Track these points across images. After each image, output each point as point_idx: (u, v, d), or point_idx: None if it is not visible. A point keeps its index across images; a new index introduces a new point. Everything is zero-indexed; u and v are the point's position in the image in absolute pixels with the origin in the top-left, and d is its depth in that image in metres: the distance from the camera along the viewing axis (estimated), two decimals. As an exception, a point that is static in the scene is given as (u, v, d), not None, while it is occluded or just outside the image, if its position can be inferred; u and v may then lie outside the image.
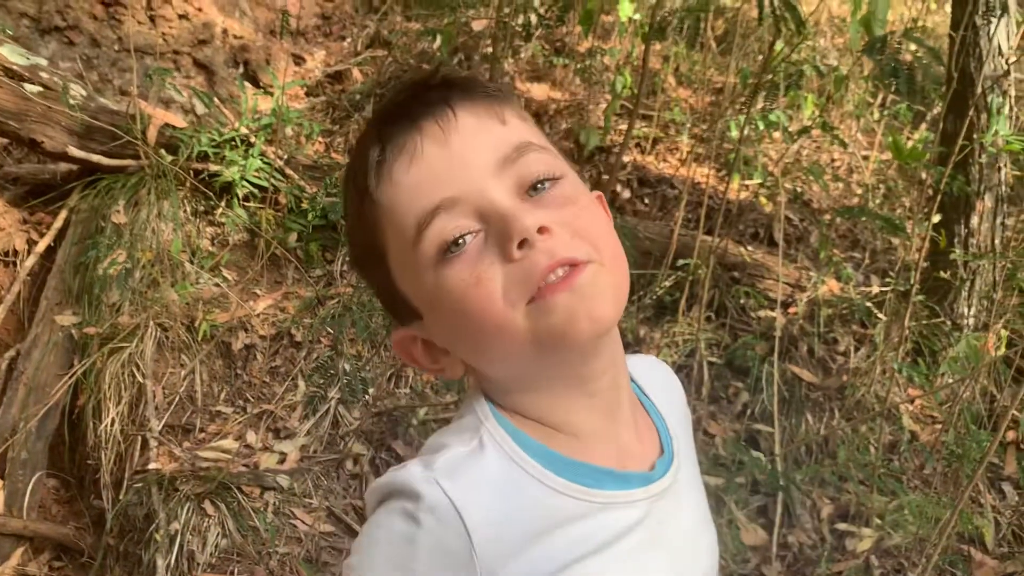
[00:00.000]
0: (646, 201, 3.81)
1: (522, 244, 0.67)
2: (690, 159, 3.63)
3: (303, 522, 2.46)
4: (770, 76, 2.90)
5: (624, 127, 4.12)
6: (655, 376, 0.93)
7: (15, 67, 3.16)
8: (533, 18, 3.23)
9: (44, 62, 3.33)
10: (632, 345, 3.02)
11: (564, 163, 0.74)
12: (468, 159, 0.70)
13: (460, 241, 0.69)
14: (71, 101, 3.02)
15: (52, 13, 4.65)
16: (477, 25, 4.38)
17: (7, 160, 3.85)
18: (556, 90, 4.27)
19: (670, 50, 4.53)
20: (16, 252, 3.28)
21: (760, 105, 3.09)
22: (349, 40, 5.38)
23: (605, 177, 3.85)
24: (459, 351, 0.76)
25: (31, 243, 3.28)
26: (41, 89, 3.13)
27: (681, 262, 3.13)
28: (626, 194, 3.81)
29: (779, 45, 2.99)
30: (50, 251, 3.24)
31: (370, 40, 5.33)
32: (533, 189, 0.71)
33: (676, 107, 4.20)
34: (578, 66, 4.23)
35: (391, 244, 0.73)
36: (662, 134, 4.13)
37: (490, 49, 4.06)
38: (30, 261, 3.19)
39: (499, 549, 0.68)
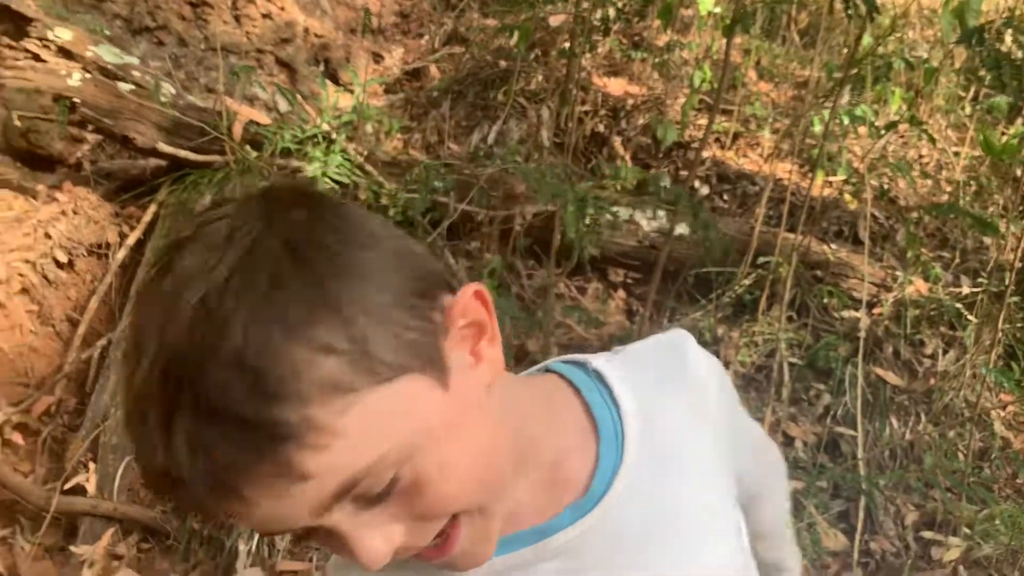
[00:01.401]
0: (725, 197, 3.75)
1: None
2: (772, 155, 3.55)
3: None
4: (856, 70, 2.81)
5: (702, 122, 4.06)
6: (659, 370, 0.76)
7: (109, 66, 3.28)
8: (611, 12, 3.20)
9: (136, 61, 3.45)
10: (710, 344, 2.98)
11: (407, 428, 0.55)
12: (286, 513, 0.53)
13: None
14: (163, 100, 3.12)
15: (143, 14, 4.82)
16: (554, 20, 4.37)
17: (100, 156, 4.01)
18: (634, 84, 4.23)
19: (751, 43, 4.43)
20: (108, 244, 3.41)
21: (845, 99, 3.00)
22: (427, 38, 5.43)
23: (683, 173, 3.79)
24: None
25: (122, 236, 3.41)
26: (133, 87, 3.25)
27: (762, 260, 3.06)
28: (705, 190, 3.75)
29: (866, 38, 2.90)
30: (140, 244, 3.36)
31: (447, 37, 5.37)
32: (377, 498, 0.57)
33: (757, 101, 4.12)
34: (656, 60, 4.18)
35: None
36: (742, 129, 4.05)
37: (567, 44, 4.04)
38: (121, 253, 3.31)
39: None
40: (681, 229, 3.15)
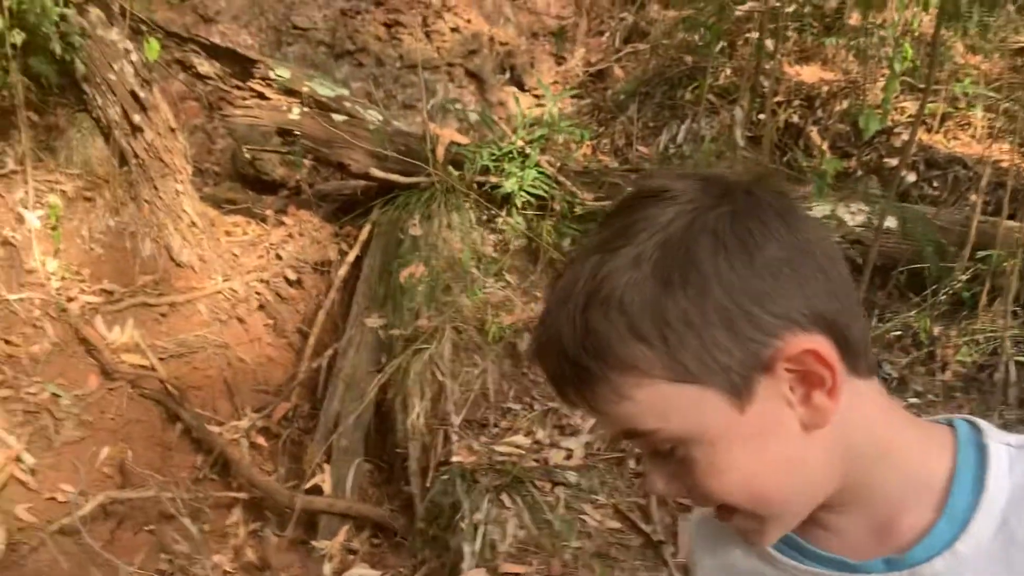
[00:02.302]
0: (935, 184, 3.54)
1: None
2: (989, 136, 3.32)
3: (592, 518, 2.60)
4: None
5: (905, 104, 3.85)
6: None
7: (323, 99, 3.57)
8: (806, 8, 3.10)
9: (346, 92, 3.72)
10: (925, 345, 2.85)
11: (683, 423, 0.66)
12: (599, 424, 0.74)
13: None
14: (371, 127, 3.36)
15: (344, 39, 5.17)
16: (740, 9, 4.28)
17: (316, 178, 4.37)
18: (827, 70, 4.07)
19: (957, 4, 4.14)
20: (330, 262, 3.72)
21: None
22: (607, 34, 5.46)
23: (887, 161, 3.62)
24: None
25: (342, 253, 3.71)
26: (346, 118, 3.51)
27: (981, 253, 2.89)
28: (911, 177, 3.56)
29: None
30: (357, 261, 3.64)
31: (628, 32, 5.37)
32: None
33: (967, 78, 3.85)
34: (851, 43, 4.00)
35: None
36: (951, 109, 3.80)
37: (755, 34, 3.95)
38: (342, 270, 3.60)
39: None
40: (890, 223, 3.04)
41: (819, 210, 3.19)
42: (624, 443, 0.70)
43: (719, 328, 0.62)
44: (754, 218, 0.64)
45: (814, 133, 3.78)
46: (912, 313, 2.93)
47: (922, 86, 3.81)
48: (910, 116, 3.72)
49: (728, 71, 4.02)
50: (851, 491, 0.71)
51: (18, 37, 3.25)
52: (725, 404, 0.64)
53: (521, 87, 5.31)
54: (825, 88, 3.93)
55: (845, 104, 3.82)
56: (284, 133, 3.58)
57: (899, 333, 2.94)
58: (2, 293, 3.23)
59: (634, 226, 0.65)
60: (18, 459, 2.92)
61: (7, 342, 3.18)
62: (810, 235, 0.66)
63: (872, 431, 0.70)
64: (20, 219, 3.39)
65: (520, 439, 2.86)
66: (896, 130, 3.72)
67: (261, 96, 3.62)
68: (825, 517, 0.73)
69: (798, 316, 0.63)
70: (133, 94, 3.52)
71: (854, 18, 4.19)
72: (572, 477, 2.71)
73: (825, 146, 3.71)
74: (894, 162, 3.58)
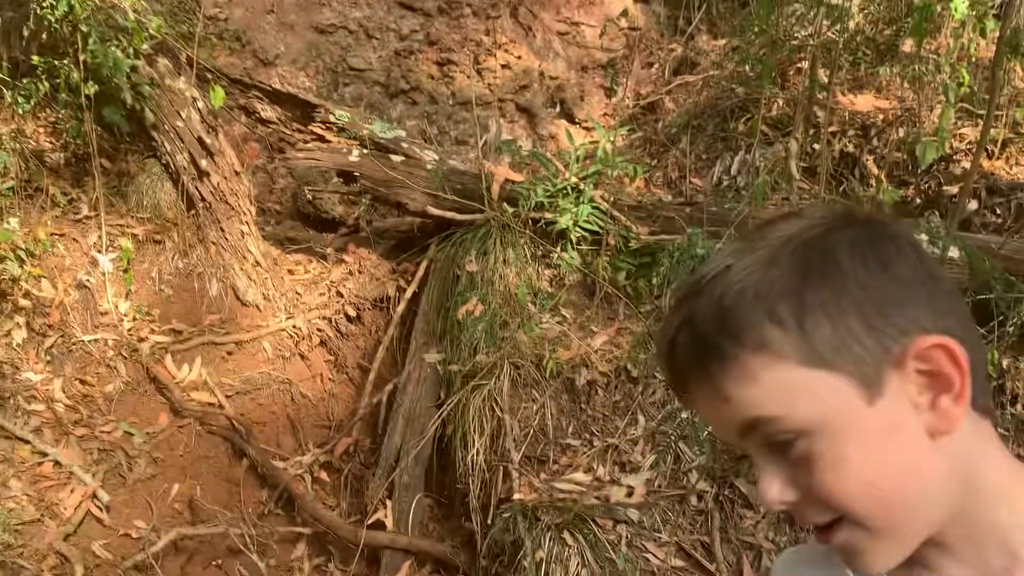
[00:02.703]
0: (998, 211, 3.49)
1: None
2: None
3: (655, 556, 2.59)
4: None
5: (964, 131, 3.80)
6: None
7: (382, 140, 3.66)
8: (858, 38, 3.10)
9: (403, 133, 3.81)
10: (994, 378, 2.80)
11: (810, 410, 0.66)
12: (715, 422, 0.72)
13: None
14: (428, 167, 3.43)
15: (398, 78, 5.29)
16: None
17: (374, 215, 4.46)
18: (882, 98, 4.04)
19: (1019, 36, 4.08)
20: (388, 298, 3.79)
21: None
22: (656, 66, 5.50)
23: (946, 189, 3.58)
24: None
25: (400, 290, 3.78)
26: (403, 158, 3.59)
27: (1048, 283, 2.83)
28: (973, 205, 3.51)
29: None
30: (415, 297, 3.70)
31: (678, 64, 5.40)
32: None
33: (1027, 102, 3.79)
34: (906, 70, 3.97)
35: None
36: (1012, 134, 3.74)
37: (806, 63, 3.95)
38: (401, 306, 3.67)
39: None
40: (953, 253, 3.00)
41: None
42: (740, 446, 0.67)
43: (854, 319, 0.65)
44: (888, 241, 0.68)
45: (870, 162, 3.75)
46: (978, 345, 2.88)
47: (980, 112, 3.77)
48: (969, 143, 3.68)
49: (781, 102, 4.02)
50: (965, 527, 0.69)
51: (92, 89, 3.41)
52: (854, 394, 0.65)
53: (571, 120, 5.37)
54: (880, 117, 3.90)
55: (901, 132, 3.79)
56: (344, 174, 3.68)
57: (965, 365, 2.89)
58: (78, 334, 3.36)
59: (767, 236, 0.69)
60: (94, 496, 3.02)
61: (82, 382, 3.31)
62: (936, 270, 0.69)
63: (992, 468, 0.70)
64: (94, 262, 3.53)
65: (580, 476, 2.87)
66: (955, 157, 3.67)
67: (322, 139, 3.73)
68: (934, 557, 0.71)
69: (929, 324, 0.66)
70: (200, 140, 3.66)
71: (907, 45, 4.16)
72: (634, 515, 2.71)
73: (882, 175, 3.68)
74: (953, 190, 3.54)
